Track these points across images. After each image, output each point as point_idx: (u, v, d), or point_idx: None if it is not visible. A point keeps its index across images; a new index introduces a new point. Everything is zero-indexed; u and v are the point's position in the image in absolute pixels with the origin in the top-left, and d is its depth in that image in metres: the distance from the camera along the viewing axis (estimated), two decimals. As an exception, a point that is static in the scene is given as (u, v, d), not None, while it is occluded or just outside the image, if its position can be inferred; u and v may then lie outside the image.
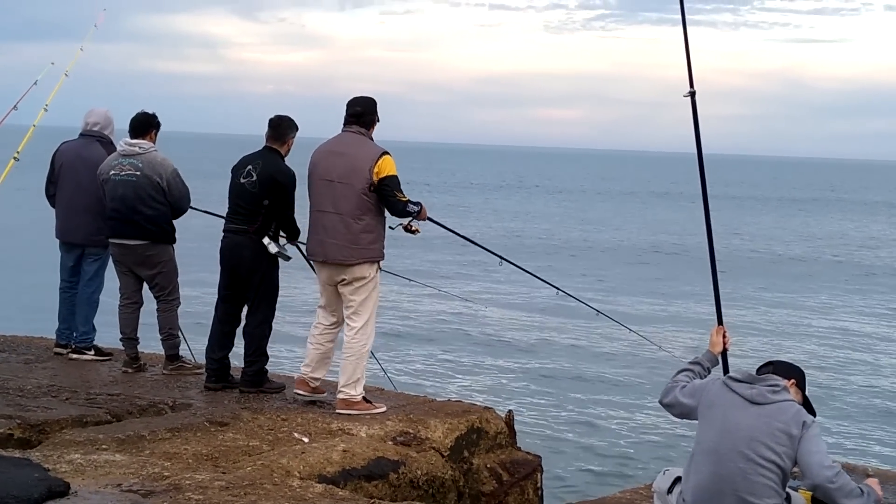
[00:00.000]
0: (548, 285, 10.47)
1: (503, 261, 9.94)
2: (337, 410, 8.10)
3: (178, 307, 9.32)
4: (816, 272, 37.64)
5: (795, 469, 5.19)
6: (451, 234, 9.83)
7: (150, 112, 9.29)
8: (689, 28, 6.45)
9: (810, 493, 5.32)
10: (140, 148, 9.02)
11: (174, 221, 9.20)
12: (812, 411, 5.44)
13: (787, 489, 5.24)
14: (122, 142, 9.15)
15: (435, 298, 24.56)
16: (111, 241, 9.12)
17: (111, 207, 9.02)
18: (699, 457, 5.25)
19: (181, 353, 9.48)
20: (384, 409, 8.18)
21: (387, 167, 7.93)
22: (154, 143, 9.18)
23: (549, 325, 24.23)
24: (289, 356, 17.08)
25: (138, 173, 8.93)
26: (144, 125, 9.16)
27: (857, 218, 71.16)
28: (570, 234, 50.25)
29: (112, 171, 9.01)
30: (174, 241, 9.24)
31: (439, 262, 35.53)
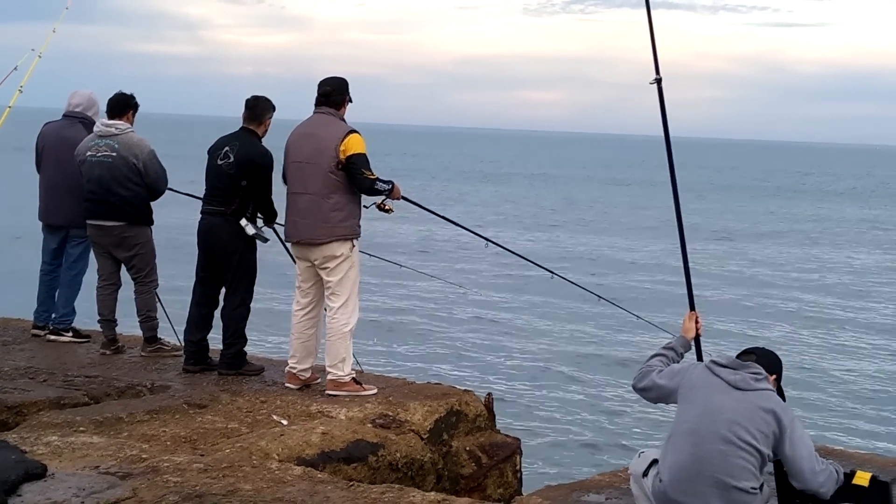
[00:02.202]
0: (540, 268, 10.43)
1: (489, 243, 9.93)
2: (326, 391, 8.09)
3: (155, 289, 9.28)
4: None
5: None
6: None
7: (129, 93, 9.23)
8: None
9: (868, 474, 5.46)
10: (116, 129, 8.97)
11: (152, 203, 9.15)
12: (783, 397, 5.48)
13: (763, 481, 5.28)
14: (99, 122, 9.10)
15: (414, 281, 24.56)
16: (88, 222, 9.07)
17: (88, 189, 8.97)
18: (678, 437, 5.26)
19: (163, 334, 9.45)
20: (375, 391, 8.14)
21: (353, 145, 7.87)
22: (132, 123, 9.12)
23: (531, 308, 24.28)
24: (268, 338, 17.08)
25: (114, 154, 8.88)
26: (122, 106, 9.11)
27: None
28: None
29: (88, 153, 8.95)
30: (151, 222, 9.19)
31: (422, 244, 35.56)
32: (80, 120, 9.48)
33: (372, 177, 7.90)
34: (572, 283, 10.57)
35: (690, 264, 6.65)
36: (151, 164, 8.98)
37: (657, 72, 6.42)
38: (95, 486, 5.61)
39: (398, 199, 8.19)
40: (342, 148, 7.85)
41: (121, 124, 9.01)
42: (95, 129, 9.08)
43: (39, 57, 10.87)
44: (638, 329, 20.57)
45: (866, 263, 36.67)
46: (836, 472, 5.31)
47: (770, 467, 5.34)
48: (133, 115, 9.18)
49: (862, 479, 5.42)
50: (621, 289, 25.68)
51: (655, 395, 5.58)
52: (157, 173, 9.03)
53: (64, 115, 9.61)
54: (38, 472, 5.69)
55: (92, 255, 9.39)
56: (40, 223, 9.74)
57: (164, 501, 5.43)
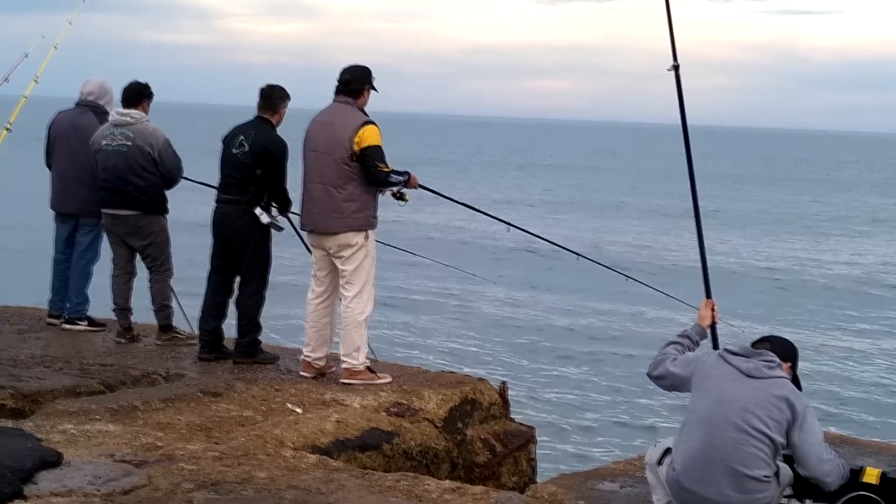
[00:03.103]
0: (568, 251, 10.37)
1: (511, 227, 9.88)
2: (341, 380, 8.09)
3: (170, 278, 9.29)
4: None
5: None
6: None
7: (143, 82, 9.23)
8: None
9: (878, 470, 5.41)
10: (131, 118, 8.98)
11: (167, 192, 9.16)
12: (799, 387, 5.46)
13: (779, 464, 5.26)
14: (114, 111, 9.10)
15: (430, 270, 24.56)
16: (103, 211, 9.08)
17: (102, 178, 8.98)
18: (691, 426, 5.26)
19: (176, 323, 9.47)
20: (389, 379, 8.14)
21: (369, 137, 7.82)
22: (147, 113, 9.13)
23: (545, 297, 24.26)
24: (282, 327, 17.10)
25: (129, 143, 8.89)
26: (137, 95, 9.11)
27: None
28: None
29: (104, 142, 8.97)
30: (166, 211, 9.20)
31: (441, 231, 35.58)
32: (92, 109, 9.49)
33: (386, 169, 7.86)
34: (598, 263, 10.53)
35: (708, 254, 6.62)
36: (166, 153, 8.99)
37: (675, 58, 6.37)
38: (111, 474, 5.63)
39: (415, 188, 8.15)
40: (356, 140, 7.80)
41: (136, 113, 9.01)
42: (110, 118, 9.09)
43: (55, 48, 10.91)
44: (654, 318, 20.59)
45: (887, 251, 36.59)
46: (843, 466, 5.29)
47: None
48: (148, 105, 9.19)
49: (871, 476, 5.37)
50: (646, 271, 25.64)
51: (669, 383, 5.57)
52: (172, 162, 9.04)
53: (76, 104, 9.63)
54: (53, 460, 5.71)
55: (106, 243, 9.41)
56: (52, 212, 9.75)
57: (179, 489, 5.45)
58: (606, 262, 11.64)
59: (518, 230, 10.08)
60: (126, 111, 9.02)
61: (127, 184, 8.89)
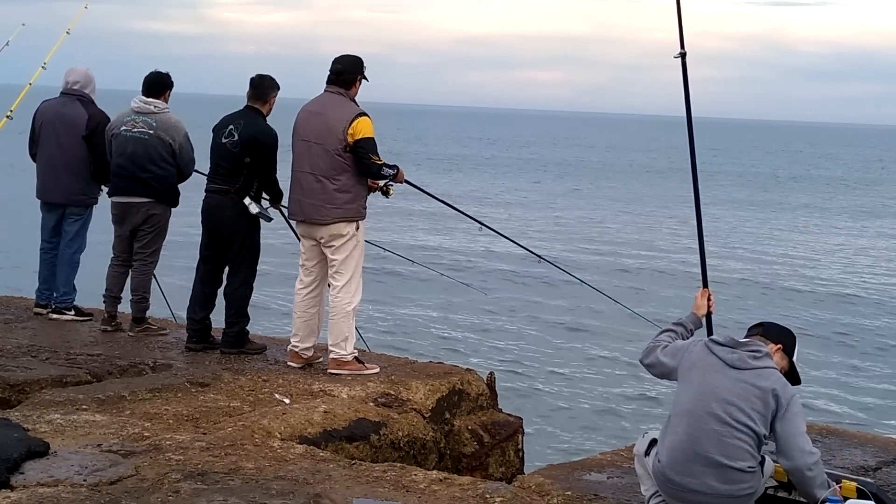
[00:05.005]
0: (531, 254, 10.47)
1: (483, 227, 9.95)
2: (328, 370, 8.09)
3: (153, 269, 9.25)
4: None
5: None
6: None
7: (164, 71, 9.20)
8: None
9: (854, 484, 5.28)
10: (155, 107, 8.97)
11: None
12: (797, 379, 5.43)
13: (765, 455, 5.25)
14: (137, 99, 9.04)
15: (416, 267, 24.55)
16: (114, 200, 9.05)
17: (117, 164, 8.95)
18: (675, 417, 5.25)
19: (162, 313, 9.44)
20: (377, 370, 8.16)
21: (362, 129, 7.85)
22: (167, 102, 9.11)
23: (534, 290, 24.24)
24: (270, 317, 17.10)
25: (151, 132, 8.88)
26: (159, 85, 9.09)
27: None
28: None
29: (123, 127, 8.94)
30: (176, 204, 9.18)
31: (425, 227, 35.53)
32: (77, 97, 9.46)
33: (379, 162, 7.90)
34: (559, 267, 10.68)
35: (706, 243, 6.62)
36: (186, 147, 9.02)
37: (682, 45, 6.34)
38: (98, 464, 5.63)
39: (402, 182, 8.20)
40: (350, 131, 7.83)
41: (160, 103, 9.02)
42: (132, 104, 9.04)
43: (67, 33, 10.91)
44: (642, 311, 20.57)
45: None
46: (828, 477, 5.18)
47: (772, 446, 5.31)
48: (169, 95, 9.16)
49: (849, 491, 5.29)
50: (633, 269, 25.69)
51: (659, 371, 5.57)
52: (189, 156, 9.07)
53: (61, 93, 9.58)
54: (40, 450, 5.71)
55: (95, 231, 9.37)
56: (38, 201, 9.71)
57: (167, 479, 5.45)
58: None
59: (490, 230, 10.17)
60: (149, 100, 9.00)
61: (144, 171, 8.86)
